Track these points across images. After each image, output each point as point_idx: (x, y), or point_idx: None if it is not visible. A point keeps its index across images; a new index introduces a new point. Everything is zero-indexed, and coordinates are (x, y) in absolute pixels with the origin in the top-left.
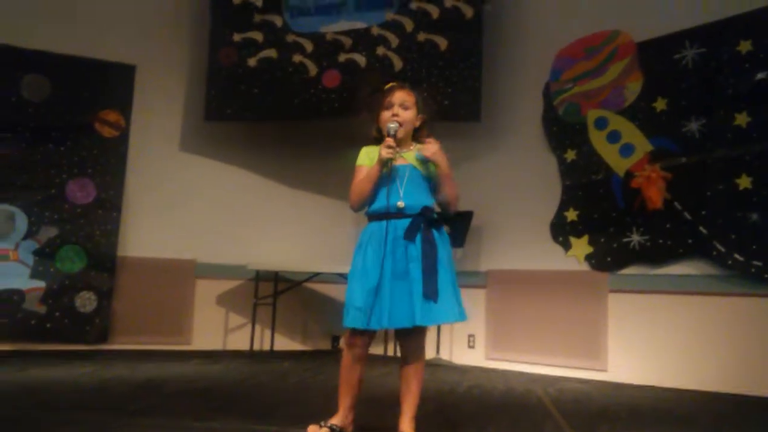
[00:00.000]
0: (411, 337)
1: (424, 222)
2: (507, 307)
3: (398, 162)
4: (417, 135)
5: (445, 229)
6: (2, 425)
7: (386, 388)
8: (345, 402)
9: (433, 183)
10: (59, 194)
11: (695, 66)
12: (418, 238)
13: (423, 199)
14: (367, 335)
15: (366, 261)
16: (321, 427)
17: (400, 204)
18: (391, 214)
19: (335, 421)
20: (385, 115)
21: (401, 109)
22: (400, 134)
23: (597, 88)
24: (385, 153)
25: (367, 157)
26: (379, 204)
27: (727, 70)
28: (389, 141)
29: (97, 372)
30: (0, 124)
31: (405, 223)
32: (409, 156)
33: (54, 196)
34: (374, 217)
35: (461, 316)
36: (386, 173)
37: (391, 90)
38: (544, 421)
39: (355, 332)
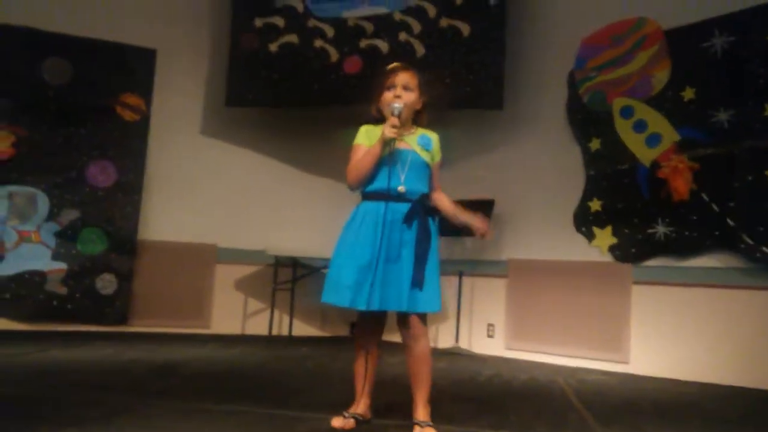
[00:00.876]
0: (410, 324)
1: (421, 209)
2: (528, 296)
3: (400, 145)
4: (417, 118)
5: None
6: (24, 405)
7: (406, 374)
8: (361, 390)
9: (431, 171)
10: (80, 177)
11: (724, 55)
12: (415, 223)
13: (422, 186)
14: (375, 322)
15: (359, 239)
16: (345, 417)
17: (401, 189)
18: (390, 196)
19: (354, 409)
20: (388, 95)
21: (404, 90)
22: (404, 115)
23: (623, 76)
24: (389, 132)
25: (366, 137)
26: (379, 185)
27: (757, 59)
28: (393, 120)
29: (118, 354)
30: (22, 107)
31: (403, 207)
32: (410, 140)
33: (75, 179)
34: (371, 196)
35: (438, 307)
36: (388, 154)
37: (395, 71)
38: (567, 412)
39: (363, 319)
